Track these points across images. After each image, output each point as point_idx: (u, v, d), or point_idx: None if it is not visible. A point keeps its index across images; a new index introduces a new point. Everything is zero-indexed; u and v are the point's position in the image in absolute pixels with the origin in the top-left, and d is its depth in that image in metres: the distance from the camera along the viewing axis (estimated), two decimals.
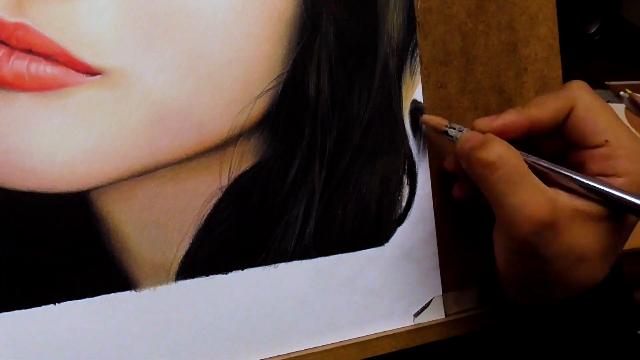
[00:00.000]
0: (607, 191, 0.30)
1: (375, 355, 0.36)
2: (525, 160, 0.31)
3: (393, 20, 0.35)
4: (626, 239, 0.33)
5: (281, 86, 0.33)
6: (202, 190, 0.32)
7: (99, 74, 0.30)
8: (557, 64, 0.40)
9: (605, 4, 0.77)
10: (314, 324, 0.35)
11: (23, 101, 0.29)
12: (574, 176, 0.31)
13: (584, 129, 0.32)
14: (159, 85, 0.30)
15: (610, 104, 0.67)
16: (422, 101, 0.36)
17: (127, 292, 0.32)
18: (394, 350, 0.37)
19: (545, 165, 0.32)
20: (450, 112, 0.37)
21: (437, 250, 0.37)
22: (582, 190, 0.31)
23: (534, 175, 0.30)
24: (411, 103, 0.36)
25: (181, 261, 0.32)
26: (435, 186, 0.37)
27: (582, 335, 0.33)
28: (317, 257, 0.35)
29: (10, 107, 0.29)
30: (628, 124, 0.64)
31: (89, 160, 0.30)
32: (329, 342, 0.36)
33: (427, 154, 0.37)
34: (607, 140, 0.31)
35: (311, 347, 0.35)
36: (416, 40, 0.36)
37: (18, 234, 0.30)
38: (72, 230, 0.30)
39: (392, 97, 0.36)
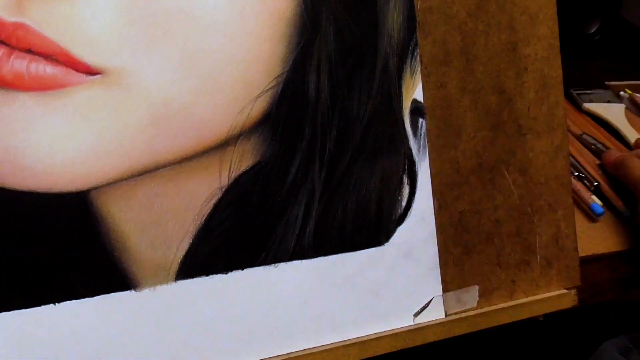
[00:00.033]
0: None
1: (375, 355, 0.36)
2: None
3: (393, 19, 0.35)
4: None
5: (281, 86, 0.33)
6: (202, 190, 0.32)
7: (99, 73, 0.30)
8: (557, 63, 0.40)
9: (605, 4, 0.77)
10: (314, 324, 0.35)
11: (23, 101, 0.29)
12: None
13: None
14: (159, 85, 0.30)
15: (610, 104, 0.67)
16: (422, 101, 0.36)
17: (127, 292, 0.32)
18: (394, 350, 0.37)
19: None
20: (450, 112, 0.37)
21: (437, 250, 0.37)
22: None
23: None
24: (411, 103, 0.36)
25: (181, 261, 0.32)
26: (435, 186, 0.37)
27: (580, 337, 0.33)
28: (317, 256, 0.35)
29: (10, 107, 0.29)
30: (628, 124, 0.64)
31: (88, 160, 0.30)
32: (329, 342, 0.36)
33: (427, 154, 0.37)
34: None
35: (311, 347, 0.35)
36: (416, 40, 0.36)
37: (18, 234, 0.29)
38: (72, 230, 0.30)
39: (392, 97, 0.36)
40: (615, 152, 0.54)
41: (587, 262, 0.45)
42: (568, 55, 0.41)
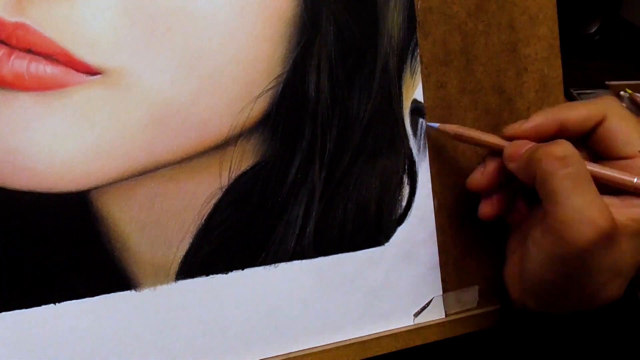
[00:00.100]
0: None
1: (375, 355, 0.36)
2: None
3: (393, 20, 0.35)
4: None
5: (281, 86, 0.33)
6: (202, 190, 0.32)
7: (99, 73, 0.30)
8: (557, 63, 0.40)
9: (605, 4, 0.77)
10: (314, 324, 0.35)
11: (23, 101, 0.29)
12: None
13: (615, 139, 0.32)
14: (159, 85, 0.30)
15: None
16: (422, 101, 0.36)
17: (127, 292, 0.32)
18: (394, 350, 0.37)
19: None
20: (450, 112, 0.37)
21: (437, 250, 0.37)
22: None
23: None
24: (411, 103, 0.36)
25: (181, 261, 0.32)
26: (436, 186, 0.37)
27: (580, 337, 0.33)
28: (317, 257, 0.35)
29: (10, 107, 0.29)
30: None
31: (88, 160, 0.30)
32: (329, 342, 0.36)
33: (427, 154, 0.37)
34: (639, 151, 0.31)
35: (311, 347, 0.35)
36: (416, 40, 0.36)
37: (18, 234, 0.30)
38: (72, 230, 0.30)
39: (392, 97, 0.36)
40: (523, 142, 0.33)
41: None
42: (568, 55, 0.41)
